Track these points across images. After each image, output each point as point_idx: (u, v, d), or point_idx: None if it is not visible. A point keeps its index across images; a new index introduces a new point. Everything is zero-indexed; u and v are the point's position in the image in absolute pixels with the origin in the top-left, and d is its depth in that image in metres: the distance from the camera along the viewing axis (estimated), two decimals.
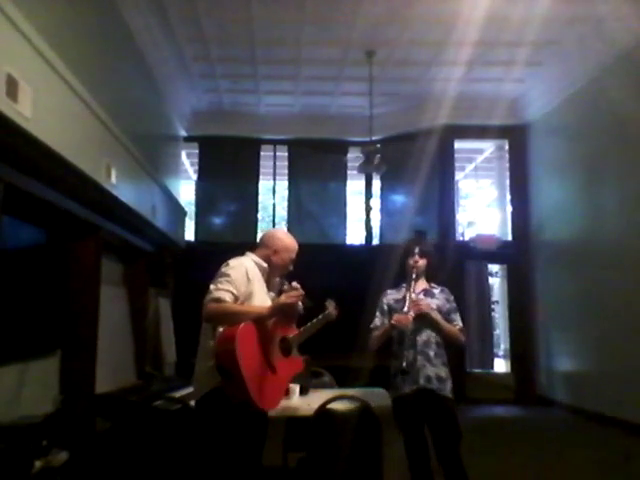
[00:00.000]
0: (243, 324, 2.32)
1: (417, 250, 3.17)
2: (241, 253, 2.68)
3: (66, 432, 3.17)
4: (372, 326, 3.20)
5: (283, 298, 2.46)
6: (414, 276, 3.12)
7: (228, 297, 2.37)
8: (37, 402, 3.57)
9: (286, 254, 2.65)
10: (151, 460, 3.37)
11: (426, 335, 3.05)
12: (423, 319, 3.04)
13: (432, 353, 3.03)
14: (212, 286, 2.42)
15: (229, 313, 2.37)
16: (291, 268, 2.70)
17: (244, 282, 2.45)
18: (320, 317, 2.92)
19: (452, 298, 3.21)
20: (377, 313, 3.23)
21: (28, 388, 3.47)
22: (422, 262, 3.17)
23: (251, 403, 2.29)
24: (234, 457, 2.34)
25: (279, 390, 2.56)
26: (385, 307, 3.21)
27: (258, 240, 2.78)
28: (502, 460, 2.88)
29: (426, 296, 3.15)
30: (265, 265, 2.61)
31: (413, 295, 3.06)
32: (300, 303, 2.54)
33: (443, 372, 3.04)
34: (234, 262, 2.52)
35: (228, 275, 2.43)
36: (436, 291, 3.21)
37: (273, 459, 3.03)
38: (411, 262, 3.15)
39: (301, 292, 2.50)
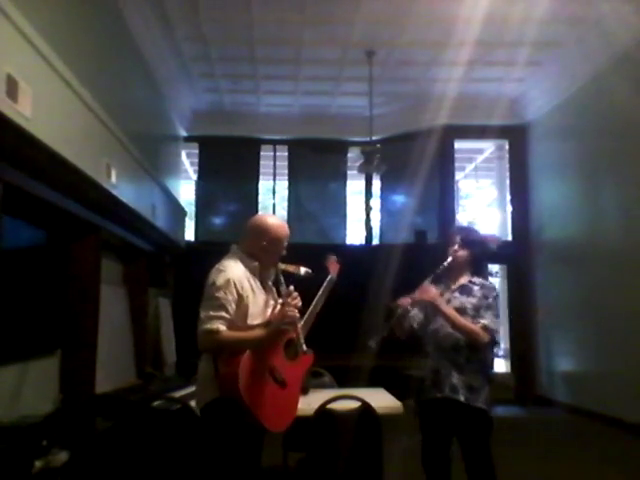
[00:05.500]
0: (242, 361, 2.21)
1: (458, 239, 2.85)
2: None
3: (66, 432, 3.16)
4: None
5: (276, 319, 2.31)
6: (445, 265, 2.81)
7: (222, 326, 2.21)
8: (37, 402, 3.57)
9: (279, 245, 2.46)
10: (151, 460, 3.37)
11: (454, 338, 2.72)
12: (434, 310, 2.77)
13: (462, 359, 2.71)
14: (202, 313, 2.24)
15: (225, 346, 2.25)
16: (284, 252, 2.50)
17: (235, 300, 2.27)
18: (324, 286, 2.72)
19: (493, 294, 2.82)
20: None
21: (28, 388, 3.47)
22: (462, 253, 2.84)
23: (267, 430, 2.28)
24: (233, 459, 2.33)
25: (293, 404, 2.47)
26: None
27: (246, 228, 2.50)
28: (501, 460, 2.86)
29: (462, 293, 2.82)
30: (255, 264, 2.42)
31: (432, 287, 2.78)
32: (302, 270, 2.40)
33: (475, 381, 2.69)
34: (219, 278, 2.29)
35: (217, 299, 2.24)
36: (475, 287, 2.82)
37: (273, 459, 3.03)
38: (450, 252, 2.84)
39: (297, 301, 2.34)
